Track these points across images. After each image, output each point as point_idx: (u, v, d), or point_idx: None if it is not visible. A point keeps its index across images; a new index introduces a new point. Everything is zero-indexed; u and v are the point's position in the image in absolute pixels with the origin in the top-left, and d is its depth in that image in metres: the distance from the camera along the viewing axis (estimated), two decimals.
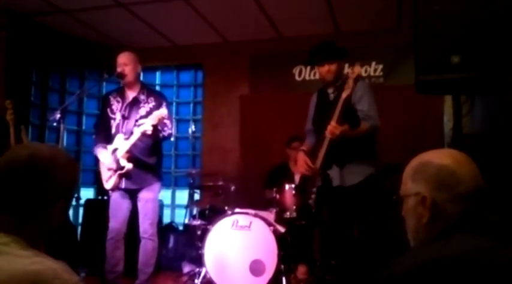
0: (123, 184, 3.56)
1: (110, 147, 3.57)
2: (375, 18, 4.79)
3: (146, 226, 3.60)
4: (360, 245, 3.16)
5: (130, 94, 3.68)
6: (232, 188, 4.37)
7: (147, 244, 3.60)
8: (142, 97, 3.65)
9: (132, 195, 3.64)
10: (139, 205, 3.62)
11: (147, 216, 3.60)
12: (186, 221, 4.76)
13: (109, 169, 3.54)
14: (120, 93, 3.72)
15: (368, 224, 3.12)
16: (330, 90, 3.32)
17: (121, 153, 3.49)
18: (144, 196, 3.60)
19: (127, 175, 3.52)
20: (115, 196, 3.61)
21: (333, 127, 2.98)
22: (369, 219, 3.10)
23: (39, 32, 5.14)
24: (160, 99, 3.67)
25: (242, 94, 5.70)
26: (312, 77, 5.49)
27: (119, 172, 3.50)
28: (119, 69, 3.59)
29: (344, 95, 3.04)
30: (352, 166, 3.14)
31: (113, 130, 3.62)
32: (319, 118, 3.31)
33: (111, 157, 3.53)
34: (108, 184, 3.57)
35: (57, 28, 5.28)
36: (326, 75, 3.28)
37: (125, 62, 3.60)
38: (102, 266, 3.62)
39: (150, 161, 3.63)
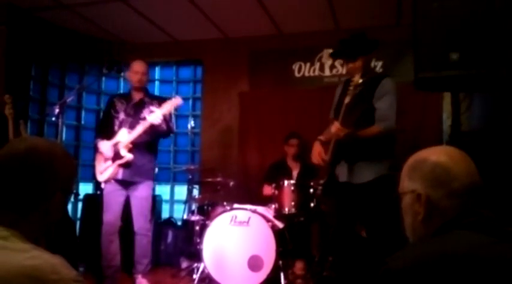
0: (120, 175, 3.62)
1: (112, 141, 3.67)
2: (375, 15, 4.78)
3: (142, 223, 3.69)
4: (366, 245, 3.07)
5: (137, 96, 3.85)
6: (231, 184, 4.38)
7: (143, 240, 3.71)
8: (147, 100, 3.84)
9: (125, 188, 3.70)
10: (134, 202, 3.70)
11: (142, 214, 3.70)
12: (185, 216, 4.77)
13: (106, 160, 3.62)
14: (125, 96, 3.93)
15: (376, 225, 3.01)
16: (353, 83, 3.09)
17: (124, 144, 3.59)
18: (138, 194, 3.69)
19: (126, 166, 3.61)
20: (108, 189, 3.68)
21: (336, 129, 2.94)
22: (378, 219, 2.97)
23: (39, 26, 5.12)
24: (163, 103, 3.77)
25: (241, 91, 5.70)
26: (311, 74, 5.48)
27: (118, 161, 3.58)
28: (137, 77, 3.79)
29: (346, 101, 2.98)
30: (363, 164, 3.04)
31: (116, 127, 3.73)
32: (337, 110, 3.19)
33: (112, 148, 3.63)
34: (102, 176, 3.63)
35: (57, 23, 5.26)
36: (351, 72, 3.17)
37: (144, 72, 3.84)
38: (100, 263, 3.66)
39: (146, 158, 3.75)
